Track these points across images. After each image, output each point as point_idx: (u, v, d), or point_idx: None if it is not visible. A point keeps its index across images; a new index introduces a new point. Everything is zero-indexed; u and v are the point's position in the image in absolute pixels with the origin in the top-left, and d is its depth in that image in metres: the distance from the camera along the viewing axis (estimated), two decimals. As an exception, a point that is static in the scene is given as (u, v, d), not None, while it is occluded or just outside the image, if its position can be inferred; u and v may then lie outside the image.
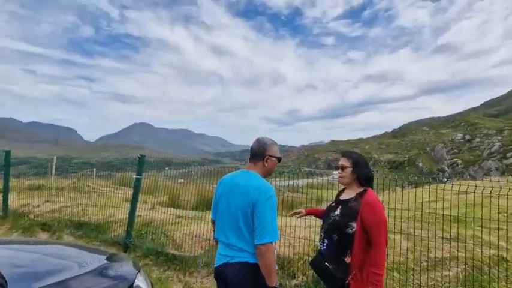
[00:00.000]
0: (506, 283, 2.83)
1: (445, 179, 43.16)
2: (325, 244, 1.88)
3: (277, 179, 5.90)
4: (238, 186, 1.71)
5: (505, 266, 3.05)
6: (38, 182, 7.88)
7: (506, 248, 3.21)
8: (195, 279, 3.48)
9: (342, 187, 2.09)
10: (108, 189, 9.75)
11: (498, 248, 3.16)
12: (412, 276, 3.08)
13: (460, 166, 43.98)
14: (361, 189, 1.89)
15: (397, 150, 76.65)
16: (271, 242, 1.55)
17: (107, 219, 5.07)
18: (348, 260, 1.75)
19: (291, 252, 3.48)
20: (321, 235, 1.94)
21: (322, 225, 1.97)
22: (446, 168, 46.03)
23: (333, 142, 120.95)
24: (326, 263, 1.84)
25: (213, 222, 1.92)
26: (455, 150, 49.33)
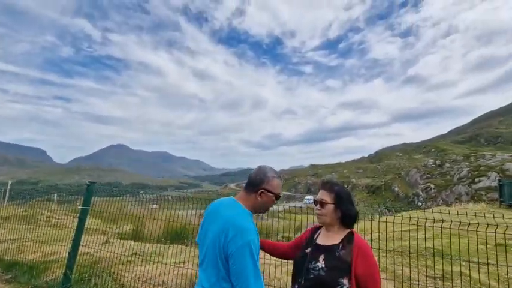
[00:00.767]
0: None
1: (420, 203, 44.36)
2: None
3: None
4: (221, 217, 1.46)
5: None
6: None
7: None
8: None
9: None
10: (65, 217, 8.67)
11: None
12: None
13: (433, 190, 45.41)
14: (345, 232, 1.49)
15: (373, 174, 78.60)
16: None
17: (47, 257, 4.25)
18: None
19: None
20: None
21: (296, 278, 1.50)
22: (421, 193, 47.36)
23: (313, 166, 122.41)
24: None
25: (197, 244, 1.64)
26: (428, 175, 51.25)
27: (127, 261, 4.00)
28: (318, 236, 1.62)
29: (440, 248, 4.07)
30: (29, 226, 6.10)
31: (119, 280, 3.48)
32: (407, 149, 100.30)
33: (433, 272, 3.12)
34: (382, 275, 3.15)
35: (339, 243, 1.44)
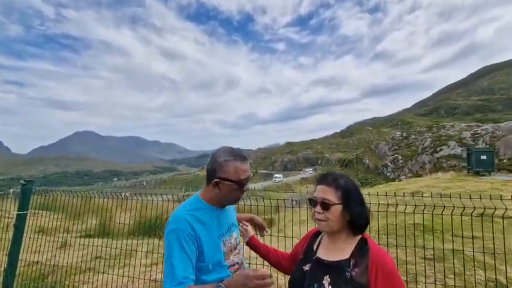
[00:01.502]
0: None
1: (389, 174, 47.15)
2: None
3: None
4: None
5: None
6: None
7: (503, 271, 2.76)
8: None
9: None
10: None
11: (496, 272, 2.66)
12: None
13: (400, 161, 48.32)
14: (356, 240, 1.06)
15: (346, 149, 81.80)
16: None
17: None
18: None
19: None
20: None
21: None
22: (389, 164, 50.22)
23: (288, 144, 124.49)
24: None
25: None
26: (396, 147, 54.24)
27: (87, 268, 3.40)
28: (318, 245, 1.17)
29: (427, 224, 3.94)
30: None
31: (75, 295, 2.91)
32: (376, 123, 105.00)
33: (431, 254, 2.92)
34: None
35: (349, 259, 1.01)
